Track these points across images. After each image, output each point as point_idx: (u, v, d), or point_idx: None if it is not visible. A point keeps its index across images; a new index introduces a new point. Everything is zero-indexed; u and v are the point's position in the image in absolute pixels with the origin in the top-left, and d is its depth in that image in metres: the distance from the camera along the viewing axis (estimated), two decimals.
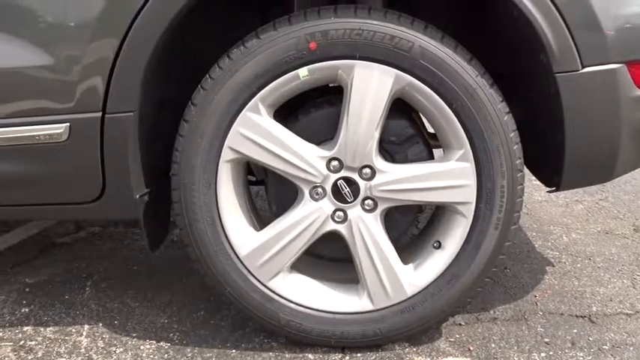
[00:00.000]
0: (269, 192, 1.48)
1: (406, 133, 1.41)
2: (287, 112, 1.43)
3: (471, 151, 1.32)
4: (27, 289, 1.88)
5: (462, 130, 1.31)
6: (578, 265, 1.95)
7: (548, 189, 1.48)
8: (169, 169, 1.40)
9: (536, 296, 1.74)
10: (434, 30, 1.30)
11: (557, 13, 1.24)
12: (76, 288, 1.88)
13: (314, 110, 1.42)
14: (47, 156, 1.36)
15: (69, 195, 1.41)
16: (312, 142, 1.38)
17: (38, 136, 1.34)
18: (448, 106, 1.30)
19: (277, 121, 1.37)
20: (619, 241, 2.16)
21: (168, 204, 1.45)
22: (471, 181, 1.33)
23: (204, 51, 1.45)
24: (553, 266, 1.95)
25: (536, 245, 2.13)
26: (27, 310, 1.75)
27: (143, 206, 1.42)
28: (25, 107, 1.33)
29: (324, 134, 1.40)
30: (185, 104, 1.37)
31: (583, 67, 1.28)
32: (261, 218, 1.52)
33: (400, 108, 1.39)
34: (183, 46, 1.42)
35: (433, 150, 1.47)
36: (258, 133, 1.33)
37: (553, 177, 1.43)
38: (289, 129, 1.37)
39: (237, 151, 1.34)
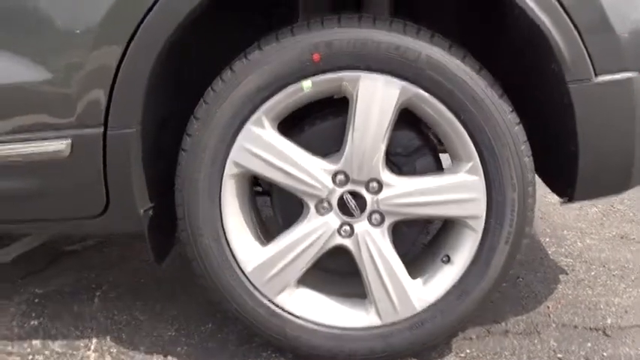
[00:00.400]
0: (275, 204, 1.46)
1: (413, 145, 1.38)
2: (292, 124, 1.40)
3: (480, 163, 1.28)
4: (36, 300, 1.88)
5: (471, 142, 1.27)
6: (593, 273, 1.91)
7: (561, 199, 1.44)
8: (174, 182, 1.38)
9: (549, 307, 1.70)
10: (441, 39, 1.26)
11: (568, 20, 1.19)
12: (85, 299, 1.88)
13: (319, 121, 1.40)
14: (50, 172, 1.34)
15: (73, 210, 1.40)
16: (318, 154, 1.35)
17: (40, 152, 1.33)
18: (456, 117, 1.26)
19: (282, 133, 1.34)
20: (634, 246, 2.11)
21: (174, 217, 1.44)
22: (481, 194, 1.29)
23: (209, 60, 1.43)
24: (566, 274, 1.91)
25: (550, 252, 2.09)
26: (36, 322, 1.75)
27: (148, 220, 1.40)
28: (26, 123, 1.32)
29: (329, 146, 1.37)
30: (189, 117, 1.35)
31: (597, 76, 1.23)
32: (267, 229, 1.50)
33: (407, 118, 1.36)
34: (186, 56, 1.40)
35: (441, 155, 1.45)
36: (262, 147, 1.31)
37: (566, 188, 1.39)
38: (294, 141, 1.34)
39: (241, 166, 1.32)
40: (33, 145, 1.32)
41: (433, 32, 1.27)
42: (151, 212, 1.41)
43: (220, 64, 1.33)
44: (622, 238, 2.21)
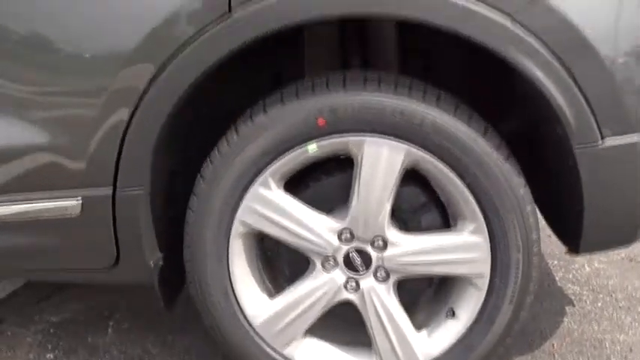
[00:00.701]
0: (281, 255, 1.48)
1: (419, 201, 1.38)
2: (298, 179, 1.41)
3: (485, 224, 1.29)
4: (52, 330, 1.93)
5: (476, 205, 1.28)
6: (599, 305, 1.92)
7: (567, 250, 1.45)
8: (182, 231, 1.41)
9: (554, 345, 1.71)
10: (447, 101, 1.26)
11: (574, 86, 1.18)
12: (99, 329, 1.92)
13: (324, 177, 1.40)
14: (62, 229, 1.37)
15: (84, 262, 1.44)
16: (324, 209, 1.36)
17: (51, 210, 1.35)
18: (461, 180, 1.26)
19: (288, 188, 1.36)
20: None
21: (183, 266, 1.46)
22: (485, 254, 1.30)
23: (219, 113, 1.43)
24: (573, 306, 1.92)
25: (557, 277, 2.10)
26: (51, 355, 1.80)
27: (158, 271, 1.43)
28: (37, 182, 1.34)
29: (335, 200, 1.38)
30: (197, 170, 1.36)
31: (603, 139, 1.23)
32: (275, 276, 1.52)
33: (413, 174, 1.36)
34: (195, 113, 1.40)
35: None
36: (269, 207, 1.32)
37: (572, 241, 1.39)
38: (300, 197, 1.36)
39: (248, 225, 1.34)
40: (45, 203, 1.35)
41: (439, 93, 1.27)
42: (160, 263, 1.44)
43: (228, 109, 1.35)
44: (631, 261, 2.20)
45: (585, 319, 1.84)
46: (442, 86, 1.32)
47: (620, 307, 1.90)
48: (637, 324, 1.81)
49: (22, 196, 1.35)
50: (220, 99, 1.43)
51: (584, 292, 2.00)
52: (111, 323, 1.96)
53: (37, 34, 1.30)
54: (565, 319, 1.85)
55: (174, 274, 1.53)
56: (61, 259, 1.43)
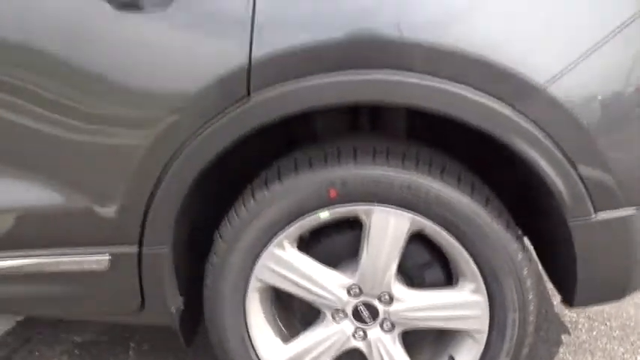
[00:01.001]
0: (294, 302, 1.58)
1: (424, 258, 1.47)
2: (310, 235, 1.50)
3: (484, 286, 1.38)
4: (76, 351, 2.06)
5: (476, 268, 1.37)
6: (594, 334, 2.02)
7: (562, 301, 1.54)
8: (201, 276, 1.51)
9: None
10: (451, 173, 1.34)
11: (570, 167, 1.26)
12: (120, 350, 2.05)
13: (335, 234, 1.49)
14: (93, 280, 1.48)
15: (113, 309, 1.55)
16: (334, 262, 1.47)
17: (82, 265, 1.46)
18: (462, 246, 1.36)
19: (300, 243, 1.45)
20: (638, 298, 2.21)
21: (201, 309, 1.57)
22: (484, 312, 1.40)
23: (239, 174, 1.52)
24: (569, 335, 2.02)
25: (555, 303, 2.20)
26: None
27: (179, 315, 1.54)
28: (70, 240, 1.45)
29: (345, 255, 1.48)
30: (217, 224, 1.46)
31: (596, 213, 1.31)
32: (289, 321, 1.62)
33: (418, 235, 1.45)
34: (219, 176, 1.49)
35: None
36: (283, 265, 1.42)
37: (566, 294, 1.49)
38: (312, 250, 1.46)
39: (264, 281, 1.45)
40: (76, 258, 1.46)
41: (444, 164, 1.35)
42: (181, 307, 1.55)
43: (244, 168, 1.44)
44: None
45: (580, 349, 1.95)
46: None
47: (614, 336, 2.01)
48: (629, 355, 1.91)
49: (60, 251, 1.46)
50: (237, 160, 1.51)
51: (580, 320, 2.10)
52: (132, 345, 2.08)
53: (66, 99, 1.37)
54: (560, 350, 1.95)
55: (193, 314, 1.64)
56: (92, 305, 1.55)
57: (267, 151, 1.56)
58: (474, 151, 1.47)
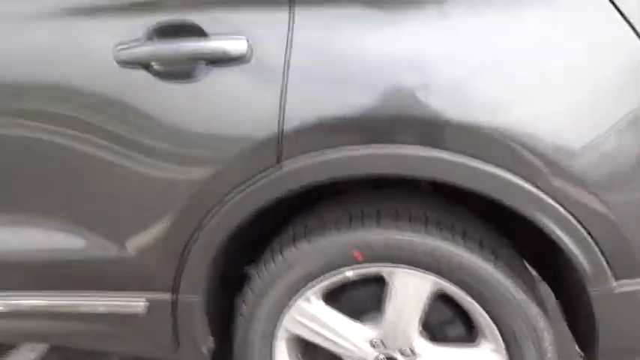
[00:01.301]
0: (319, 350, 1.63)
1: (446, 315, 1.51)
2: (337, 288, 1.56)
3: (504, 347, 1.42)
4: None
5: (496, 330, 1.41)
6: None
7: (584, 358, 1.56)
8: (231, 318, 1.60)
9: None
10: (473, 238, 1.38)
11: (592, 242, 1.28)
12: None
13: (361, 286, 1.54)
14: (133, 322, 1.58)
15: (150, 348, 1.65)
16: (359, 315, 1.52)
17: (124, 307, 1.57)
18: (484, 309, 1.40)
19: (326, 293, 1.52)
20: None
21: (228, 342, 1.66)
22: None
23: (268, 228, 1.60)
24: None
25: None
26: None
27: (210, 355, 1.63)
28: (113, 287, 1.55)
29: (369, 307, 1.53)
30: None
31: (617, 280, 1.32)
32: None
33: (440, 292, 1.49)
34: (250, 231, 1.56)
35: None
36: (310, 318, 1.49)
37: (587, 351, 1.50)
38: (338, 303, 1.52)
39: (291, 332, 1.52)
40: (118, 302, 1.56)
41: (465, 229, 1.39)
42: (212, 347, 1.64)
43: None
44: None
45: None
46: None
47: None
48: None
49: (101, 294, 1.57)
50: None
51: None
52: None
53: (110, 155, 1.47)
54: None
55: (223, 352, 1.74)
56: (131, 345, 1.66)
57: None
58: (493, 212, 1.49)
